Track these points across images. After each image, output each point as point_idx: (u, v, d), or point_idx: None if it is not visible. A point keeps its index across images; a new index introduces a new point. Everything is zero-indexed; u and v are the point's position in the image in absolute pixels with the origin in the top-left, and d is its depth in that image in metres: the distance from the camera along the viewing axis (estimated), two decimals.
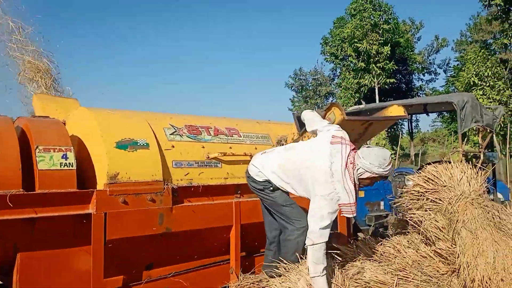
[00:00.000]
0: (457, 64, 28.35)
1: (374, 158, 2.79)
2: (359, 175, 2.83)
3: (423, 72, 32.17)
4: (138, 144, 3.12)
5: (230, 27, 67.95)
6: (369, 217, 6.23)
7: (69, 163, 2.82)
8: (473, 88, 19.86)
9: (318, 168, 2.82)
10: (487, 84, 19.77)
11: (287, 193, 3.15)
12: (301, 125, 3.67)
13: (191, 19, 70.37)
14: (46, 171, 2.73)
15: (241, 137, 3.91)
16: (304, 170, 2.91)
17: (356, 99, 26.56)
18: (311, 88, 34.03)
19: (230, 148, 3.73)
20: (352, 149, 2.88)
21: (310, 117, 3.31)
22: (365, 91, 26.42)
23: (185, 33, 68.73)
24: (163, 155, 3.25)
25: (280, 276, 3.35)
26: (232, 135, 3.86)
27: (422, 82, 32.64)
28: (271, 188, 3.07)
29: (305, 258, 3.04)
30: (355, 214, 2.83)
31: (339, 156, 2.81)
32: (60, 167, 2.78)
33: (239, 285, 3.43)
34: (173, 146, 3.39)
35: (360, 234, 3.59)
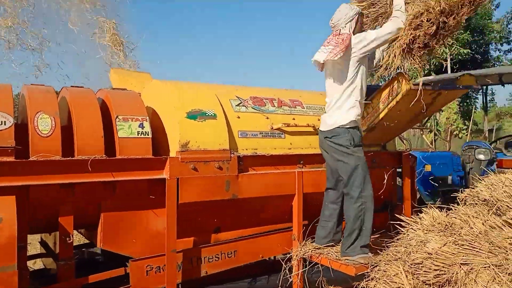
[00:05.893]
0: None
1: (342, 8, 3.28)
2: (350, 28, 3.23)
3: (501, 42, 29.56)
4: (207, 114, 3.29)
5: None
6: (435, 192, 6.08)
7: (145, 132, 3.05)
8: None
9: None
10: None
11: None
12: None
13: None
14: (125, 138, 2.98)
15: (304, 108, 3.96)
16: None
17: (425, 72, 25.20)
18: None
19: (294, 119, 3.80)
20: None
21: None
22: (436, 63, 25.01)
23: None
24: (229, 125, 3.40)
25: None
26: (296, 106, 3.92)
27: (500, 52, 30.13)
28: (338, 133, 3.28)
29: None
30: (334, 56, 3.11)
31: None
32: (137, 135, 3.02)
33: (300, 251, 3.56)
34: (238, 117, 3.53)
35: (425, 208, 3.53)
